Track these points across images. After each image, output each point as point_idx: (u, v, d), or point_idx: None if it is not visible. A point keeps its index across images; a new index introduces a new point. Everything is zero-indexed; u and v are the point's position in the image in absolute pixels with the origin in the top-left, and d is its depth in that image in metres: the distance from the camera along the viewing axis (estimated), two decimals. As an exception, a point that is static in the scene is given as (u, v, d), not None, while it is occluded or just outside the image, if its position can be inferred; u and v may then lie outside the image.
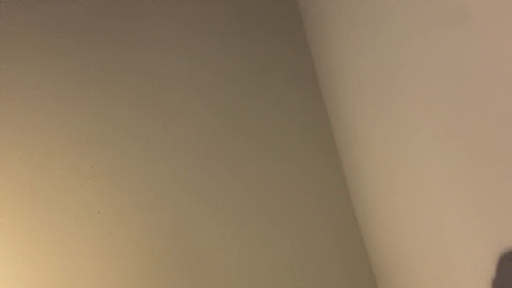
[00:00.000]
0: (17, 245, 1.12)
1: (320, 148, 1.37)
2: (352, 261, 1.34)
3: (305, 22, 1.41)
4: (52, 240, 1.14)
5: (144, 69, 1.26)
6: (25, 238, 1.13)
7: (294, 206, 1.32)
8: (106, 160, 1.20)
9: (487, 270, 0.83)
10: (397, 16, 0.93)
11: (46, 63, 1.20)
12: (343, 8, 1.17)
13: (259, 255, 1.27)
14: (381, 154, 1.15)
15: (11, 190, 1.14)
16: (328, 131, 1.38)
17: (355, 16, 1.12)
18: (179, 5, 1.32)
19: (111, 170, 1.20)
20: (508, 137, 0.71)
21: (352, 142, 1.29)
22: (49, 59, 1.20)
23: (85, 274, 1.15)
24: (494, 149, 0.75)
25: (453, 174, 0.87)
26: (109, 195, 1.19)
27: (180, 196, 1.23)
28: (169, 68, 1.29)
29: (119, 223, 1.18)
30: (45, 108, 1.18)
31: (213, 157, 1.28)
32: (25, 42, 1.19)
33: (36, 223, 1.14)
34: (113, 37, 1.26)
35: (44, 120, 1.18)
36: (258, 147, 1.32)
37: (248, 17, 1.38)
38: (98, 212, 1.18)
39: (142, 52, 1.27)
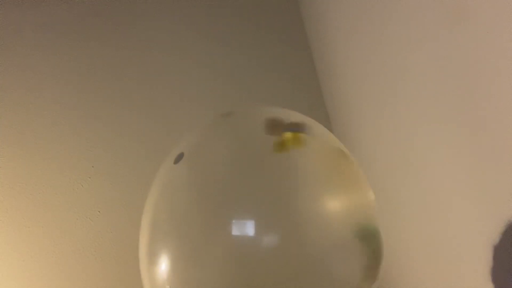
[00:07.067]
0: (17, 245, 1.12)
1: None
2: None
3: (305, 22, 1.42)
4: (52, 240, 1.14)
5: (144, 68, 1.27)
6: (25, 238, 1.12)
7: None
8: (107, 159, 1.20)
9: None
10: (399, 14, 0.94)
11: (45, 62, 1.20)
12: (343, 7, 1.17)
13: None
14: (383, 152, 1.15)
15: (11, 190, 1.13)
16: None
17: (356, 15, 1.12)
18: (177, 3, 1.33)
19: (112, 169, 1.20)
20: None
21: (353, 142, 1.29)
22: (48, 58, 1.20)
23: (86, 273, 1.14)
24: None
25: (458, 171, 0.87)
26: (110, 194, 1.18)
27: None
28: (169, 68, 1.29)
29: (120, 222, 1.18)
30: (44, 107, 1.18)
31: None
32: (24, 42, 1.19)
33: (36, 223, 1.13)
34: (114, 37, 1.26)
35: (43, 119, 1.18)
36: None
37: (248, 17, 1.39)
38: (99, 211, 1.17)
39: (142, 52, 1.27)
